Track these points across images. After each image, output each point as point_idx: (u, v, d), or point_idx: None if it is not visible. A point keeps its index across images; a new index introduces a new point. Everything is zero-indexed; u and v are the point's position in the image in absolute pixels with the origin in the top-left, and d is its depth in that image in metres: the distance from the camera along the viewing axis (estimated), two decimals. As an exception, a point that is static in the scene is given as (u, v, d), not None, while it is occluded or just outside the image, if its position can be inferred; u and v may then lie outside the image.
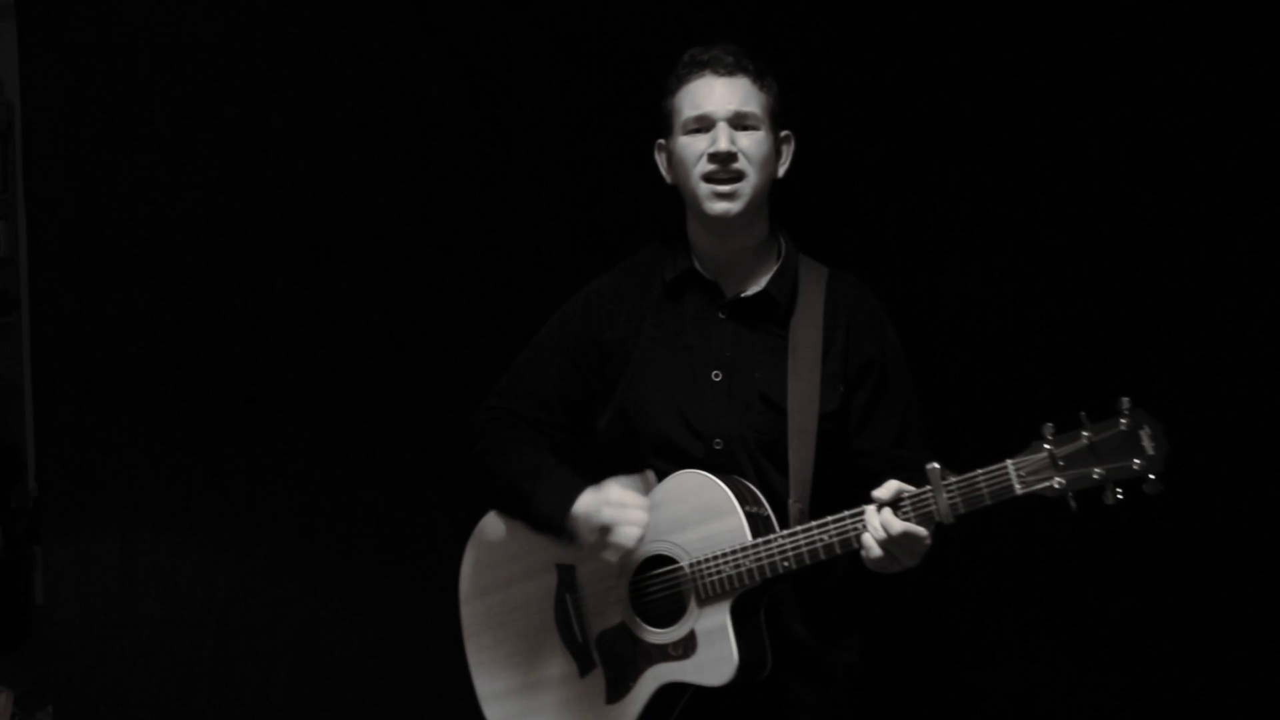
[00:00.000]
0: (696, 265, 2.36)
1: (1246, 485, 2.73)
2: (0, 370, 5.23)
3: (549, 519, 2.30)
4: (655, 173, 2.43)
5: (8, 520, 5.04)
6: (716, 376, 2.30)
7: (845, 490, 2.14)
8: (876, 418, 2.30)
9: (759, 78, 2.30)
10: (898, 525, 2.07)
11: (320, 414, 3.37)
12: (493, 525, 2.47)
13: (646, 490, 2.29)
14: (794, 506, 2.23)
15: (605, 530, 2.23)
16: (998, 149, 2.81)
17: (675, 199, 2.39)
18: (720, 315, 2.33)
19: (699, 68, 2.30)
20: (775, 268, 2.34)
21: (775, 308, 2.31)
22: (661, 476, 2.28)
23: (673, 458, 2.29)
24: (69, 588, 3.57)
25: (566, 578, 2.35)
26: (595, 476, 2.32)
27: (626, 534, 2.22)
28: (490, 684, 2.44)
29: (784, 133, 2.35)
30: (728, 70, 2.28)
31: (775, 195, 2.36)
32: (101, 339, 3.52)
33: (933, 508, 2.06)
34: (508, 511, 2.42)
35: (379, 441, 3.34)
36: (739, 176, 2.25)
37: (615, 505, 2.23)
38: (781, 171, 2.35)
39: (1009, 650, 2.92)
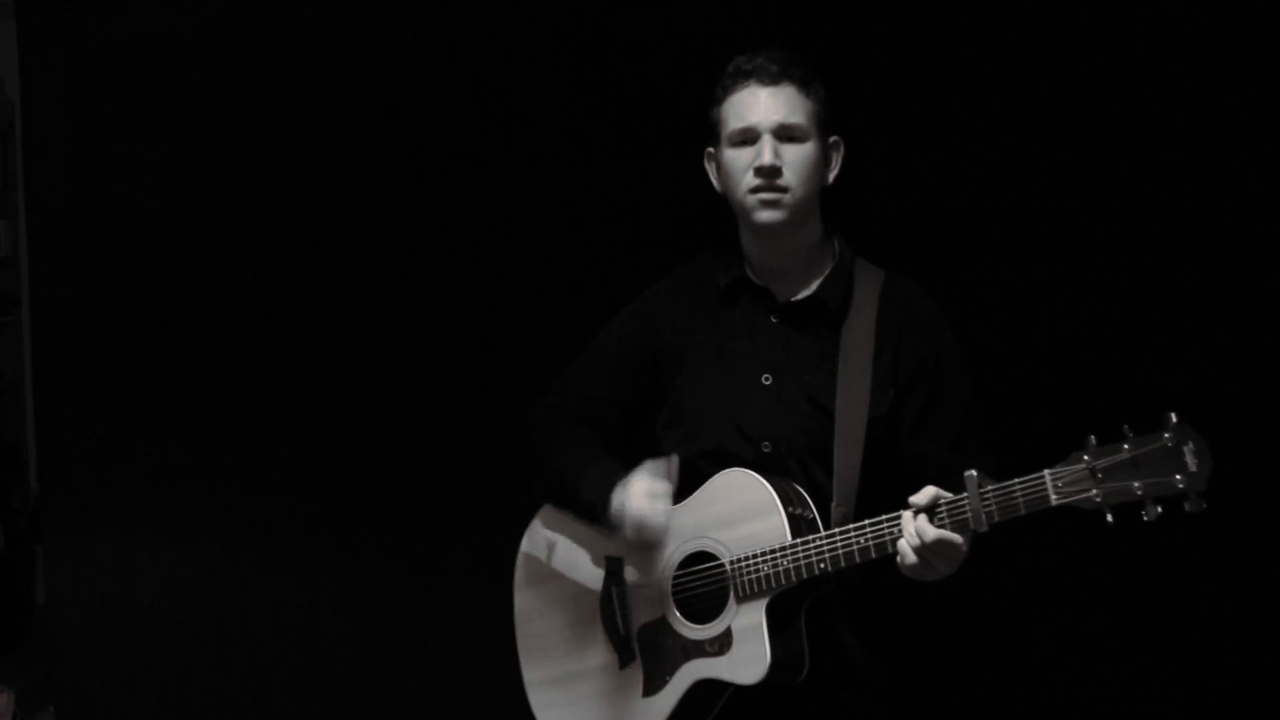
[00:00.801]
0: (749, 272, 2.38)
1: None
2: (1, 369, 5.23)
3: (592, 508, 2.33)
4: (691, 178, 2.44)
5: (9, 519, 5.03)
6: (767, 380, 2.31)
7: (897, 496, 2.13)
8: (930, 423, 2.29)
9: (805, 85, 2.28)
10: (931, 532, 2.07)
11: (320, 413, 3.37)
12: (548, 515, 2.50)
13: (671, 475, 2.30)
14: (836, 510, 2.23)
15: (636, 524, 2.26)
16: (1057, 156, 2.81)
17: (727, 205, 2.39)
18: (772, 319, 2.34)
19: (743, 77, 2.29)
20: (828, 271, 2.35)
21: (827, 311, 2.32)
22: (710, 476, 2.30)
23: (724, 461, 2.30)
24: (70, 587, 3.58)
25: (615, 570, 2.37)
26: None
27: (652, 527, 2.25)
28: (535, 671, 2.46)
29: (833, 139, 2.34)
30: (773, 79, 2.27)
31: (830, 198, 2.37)
32: (102, 338, 3.53)
33: (968, 515, 2.05)
34: (557, 503, 2.45)
35: (380, 440, 3.34)
36: (784, 189, 2.26)
37: (638, 496, 2.26)
38: (831, 178, 2.35)
39: (1064, 671, 2.89)
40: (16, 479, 5.15)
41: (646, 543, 2.31)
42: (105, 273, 3.52)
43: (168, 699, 3.49)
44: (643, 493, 2.27)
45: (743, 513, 2.24)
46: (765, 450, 2.29)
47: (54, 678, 3.72)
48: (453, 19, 3.21)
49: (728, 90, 2.31)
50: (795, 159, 2.26)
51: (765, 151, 2.25)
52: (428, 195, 3.28)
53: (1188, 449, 1.92)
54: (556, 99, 3.14)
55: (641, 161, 3.05)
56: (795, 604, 2.23)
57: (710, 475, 2.29)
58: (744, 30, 2.84)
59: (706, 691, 2.26)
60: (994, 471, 2.08)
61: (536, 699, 2.45)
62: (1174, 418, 1.93)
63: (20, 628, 4.96)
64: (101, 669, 3.55)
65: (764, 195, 2.26)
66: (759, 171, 2.25)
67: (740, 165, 2.28)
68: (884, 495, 2.18)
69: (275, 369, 3.41)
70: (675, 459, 2.32)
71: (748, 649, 2.21)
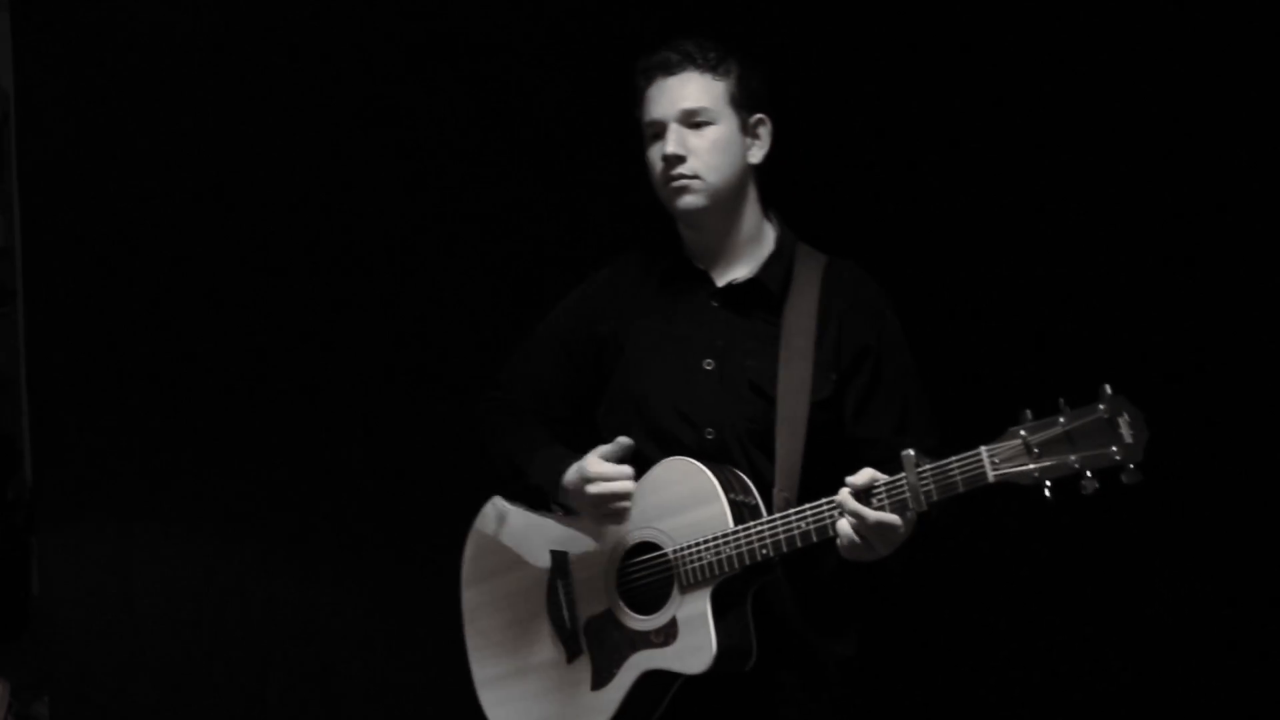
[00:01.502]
0: (687, 256, 2.38)
1: (1230, 474, 2.73)
2: (-5, 361, 5.22)
3: (543, 493, 2.35)
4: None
5: (4, 512, 5.03)
6: (708, 365, 2.31)
7: (841, 480, 2.12)
8: (874, 406, 2.29)
9: (712, 68, 2.29)
10: (870, 513, 2.07)
11: (319, 408, 3.38)
12: (493, 512, 2.49)
13: (620, 456, 2.29)
14: (779, 495, 2.23)
15: (596, 503, 2.27)
16: (987, 137, 2.82)
17: None
18: (713, 304, 2.34)
19: (650, 72, 2.32)
20: (768, 255, 2.35)
21: (768, 295, 2.32)
22: (653, 464, 2.29)
23: (667, 447, 2.29)
24: (64, 579, 3.59)
25: (559, 563, 2.36)
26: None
27: (614, 508, 2.26)
28: (484, 669, 2.45)
29: (755, 116, 2.33)
30: (674, 68, 2.29)
31: (768, 183, 2.36)
32: (98, 330, 3.53)
33: (906, 495, 2.05)
34: (509, 490, 2.45)
35: (379, 436, 3.34)
36: (692, 175, 2.27)
37: (596, 478, 2.26)
38: (756, 157, 2.34)
39: (1004, 645, 2.92)
40: (12, 472, 5.14)
41: (608, 512, 2.29)
42: (101, 264, 3.53)
43: (163, 692, 3.50)
44: (599, 458, 2.27)
45: (685, 501, 2.23)
46: (708, 436, 2.28)
47: (49, 670, 3.72)
48: (453, 19, 3.21)
49: (642, 88, 2.33)
50: (701, 145, 2.27)
51: (669, 141, 2.27)
52: (427, 192, 3.29)
53: (1123, 420, 1.92)
54: (556, 99, 3.15)
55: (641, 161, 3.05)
56: (740, 591, 2.22)
57: (653, 462, 2.28)
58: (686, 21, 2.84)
59: (655, 682, 2.25)
60: (936, 452, 2.07)
61: (486, 697, 2.43)
62: (1108, 389, 1.94)
63: (16, 620, 4.95)
64: (96, 661, 3.56)
65: (675, 184, 2.27)
66: (664, 161, 2.27)
67: (654, 158, 2.31)
68: (827, 480, 2.16)
69: (273, 363, 3.41)
70: (626, 440, 2.30)
71: (693, 638, 2.20)
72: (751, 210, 2.36)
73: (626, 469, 2.28)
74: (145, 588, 3.53)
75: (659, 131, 2.30)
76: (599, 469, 2.27)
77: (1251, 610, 2.80)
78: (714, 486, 2.21)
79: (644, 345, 2.36)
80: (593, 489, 2.27)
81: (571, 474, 2.31)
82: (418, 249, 3.29)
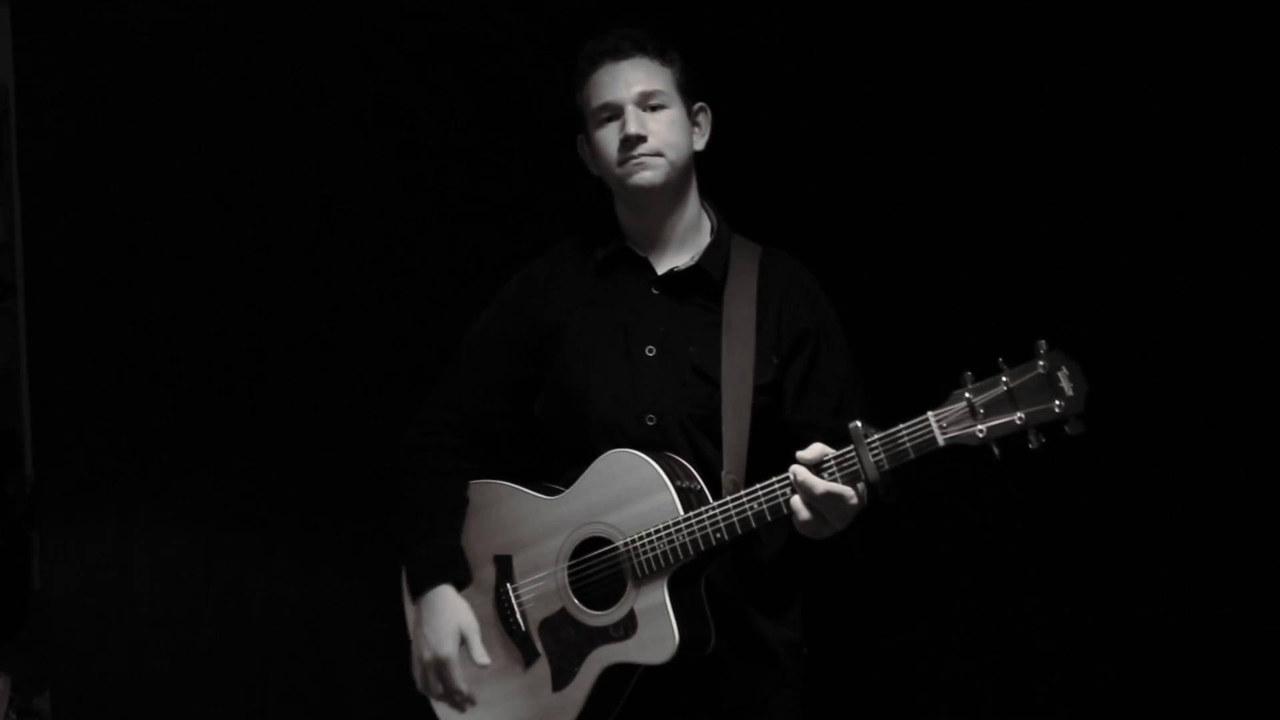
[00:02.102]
0: (628, 244, 2.37)
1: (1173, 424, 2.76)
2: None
3: (412, 585, 2.37)
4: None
5: (5, 506, 5.03)
6: (650, 352, 2.30)
7: (785, 463, 2.12)
8: (812, 389, 2.30)
9: (660, 55, 2.32)
10: (821, 486, 2.06)
11: (318, 399, 3.37)
12: None
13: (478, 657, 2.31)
14: (727, 478, 2.22)
15: (431, 671, 2.32)
16: (886, 110, 2.89)
17: (604, 189, 2.41)
18: (653, 291, 2.34)
19: (598, 57, 2.32)
20: (707, 243, 2.36)
21: (709, 282, 2.32)
22: (596, 454, 2.27)
23: (608, 435, 2.28)
24: (65, 573, 3.58)
25: (504, 568, 2.34)
26: (539, 463, 2.37)
27: (434, 685, 2.32)
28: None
29: (698, 105, 2.36)
30: (626, 53, 2.31)
31: (702, 173, 2.38)
32: (98, 325, 3.52)
33: (857, 466, 2.05)
34: (397, 549, 2.44)
35: (379, 429, 3.32)
36: (654, 153, 2.28)
37: (434, 668, 2.31)
38: (700, 144, 2.36)
39: (952, 624, 2.94)
40: (14, 466, 5.15)
41: (428, 683, 2.33)
42: (101, 257, 3.52)
43: (164, 685, 3.50)
44: (481, 649, 2.29)
45: (630, 493, 2.21)
46: (650, 423, 2.27)
47: (50, 663, 3.72)
48: (453, 18, 3.21)
49: (586, 73, 2.34)
50: (659, 125, 2.29)
51: (630, 121, 2.28)
52: (428, 192, 3.28)
53: (1062, 374, 1.95)
54: (556, 98, 3.15)
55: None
56: (694, 576, 2.21)
57: (594, 452, 2.27)
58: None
59: (617, 676, 2.24)
60: (878, 424, 2.08)
61: (444, 711, 2.39)
62: (1044, 345, 1.96)
63: (17, 614, 4.96)
64: (98, 655, 3.55)
65: (635, 161, 2.28)
66: (625, 142, 2.27)
67: (608, 140, 2.31)
68: (771, 464, 2.16)
69: (274, 358, 3.40)
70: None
71: (654, 629, 2.19)
72: (694, 197, 2.37)
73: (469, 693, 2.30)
74: (146, 582, 3.53)
75: (614, 114, 2.31)
76: (473, 657, 2.29)
77: (1234, 596, 2.81)
78: (659, 475, 2.20)
79: (584, 333, 2.35)
80: (443, 669, 2.31)
81: (448, 614, 2.32)
82: (418, 247, 3.27)
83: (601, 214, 2.41)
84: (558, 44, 3.10)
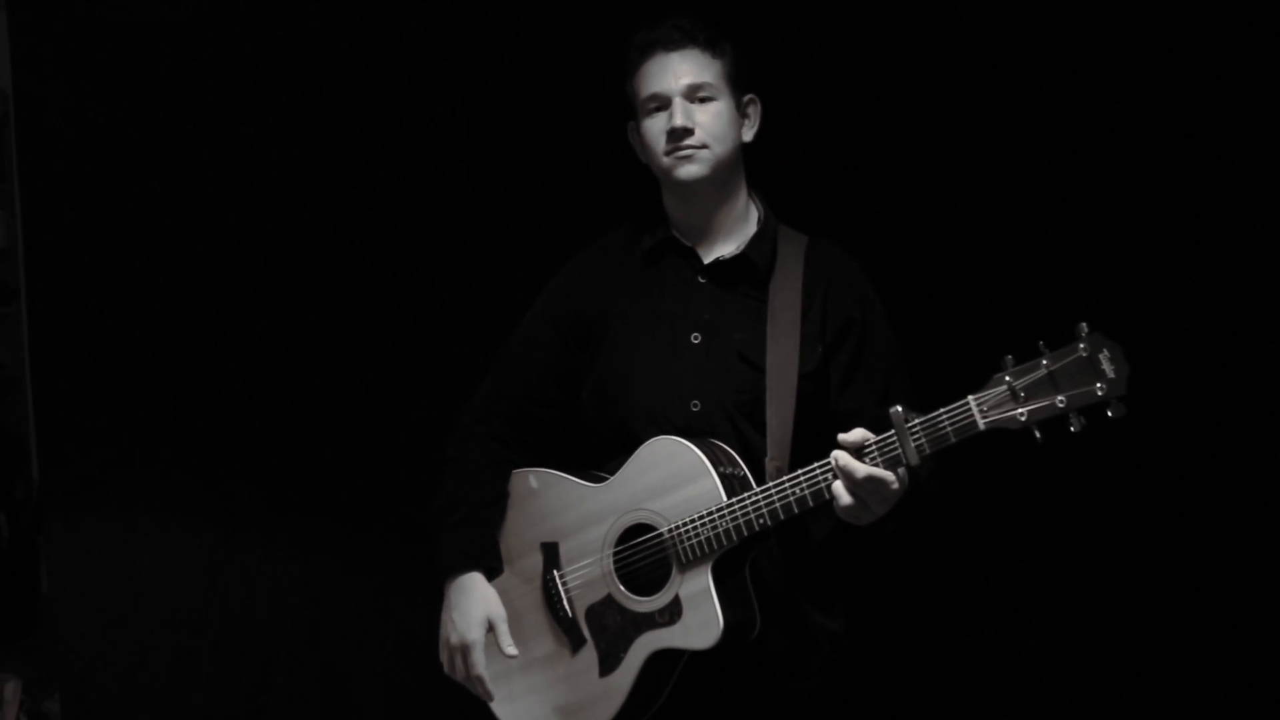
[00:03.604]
0: (675, 233, 2.39)
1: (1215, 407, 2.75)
2: (1, 360, 5.23)
3: (442, 570, 2.41)
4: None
5: (12, 510, 5.04)
6: (695, 339, 2.33)
7: (826, 453, 2.13)
8: (858, 378, 2.32)
9: (711, 46, 2.33)
10: (862, 470, 2.07)
11: (323, 400, 3.37)
12: None
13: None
14: (771, 464, 2.24)
15: (457, 653, 2.36)
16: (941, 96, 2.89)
17: (651, 177, 2.42)
18: (699, 279, 2.36)
19: (650, 47, 2.34)
20: (754, 232, 2.38)
21: (754, 270, 2.34)
22: (641, 441, 2.30)
23: (653, 421, 2.30)
24: (72, 577, 3.58)
25: (551, 556, 2.37)
26: (585, 451, 2.38)
27: (459, 666, 2.36)
28: (489, 667, 2.42)
29: (747, 96, 2.38)
30: (677, 44, 2.32)
31: (751, 163, 2.39)
32: (101, 328, 3.52)
33: (898, 451, 2.06)
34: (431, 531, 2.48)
35: (383, 428, 3.33)
36: (699, 146, 2.30)
37: (475, 648, 2.34)
38: (749, 136, 2.38)
39: (995, 623, 2.94)
40: (20, 470, 5.16)
41: (455, 667, 2.37)
42: (104, 261, 3.51)
43: (171, 685, 3.50)
44: (508, 637, 2.34)
45: (674, 479, 2.23)
46: (694, 409, 2.29)
47: (59, 667, 3.72)
48: (453, 18, 3.21)
49: (637, 62, 2.35)
50: (707, 118, 2.30)
51: (677, 114, 2.29)
52: (428, 191, 3.28)
53: (1103, 356, 1.94)
54: (557, 99, 3.15)
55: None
56: (739, 562, 2.23)
57: (639, 438, 2.29)
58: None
59: (664, 661, 2.26)
60: (921, 411, 2.09)
61: (494, 694, 2.41)
62: (1085, 328, 1.95)
63: (26, 617, 4.97)
64: (106, 658, 3.55)
65: (681, 154, 2.29)
66: (672, 134, 2.29)
67: (656, 131, 2.32)
68: (816, 451, 2.17)
69: (277, 359, 3.40)
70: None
71: (699, 614, 2.21)
72: (741, 188, 2.39)
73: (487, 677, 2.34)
74: (152, 583, 3.53)
75: (662, 105, 2.32)
76: (500, 646, 2.34)
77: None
78: (702, 462, 2.22)
79: (630, 321, 2.37)
80: (467, 654, 2.34)
81: (477, 600, 2.36)
82: (419, 245, 3.28)
83: (651, 203, 2.43)
84: (557, 44, 3.12)
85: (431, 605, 3.23)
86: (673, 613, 2.24)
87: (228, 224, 3.41)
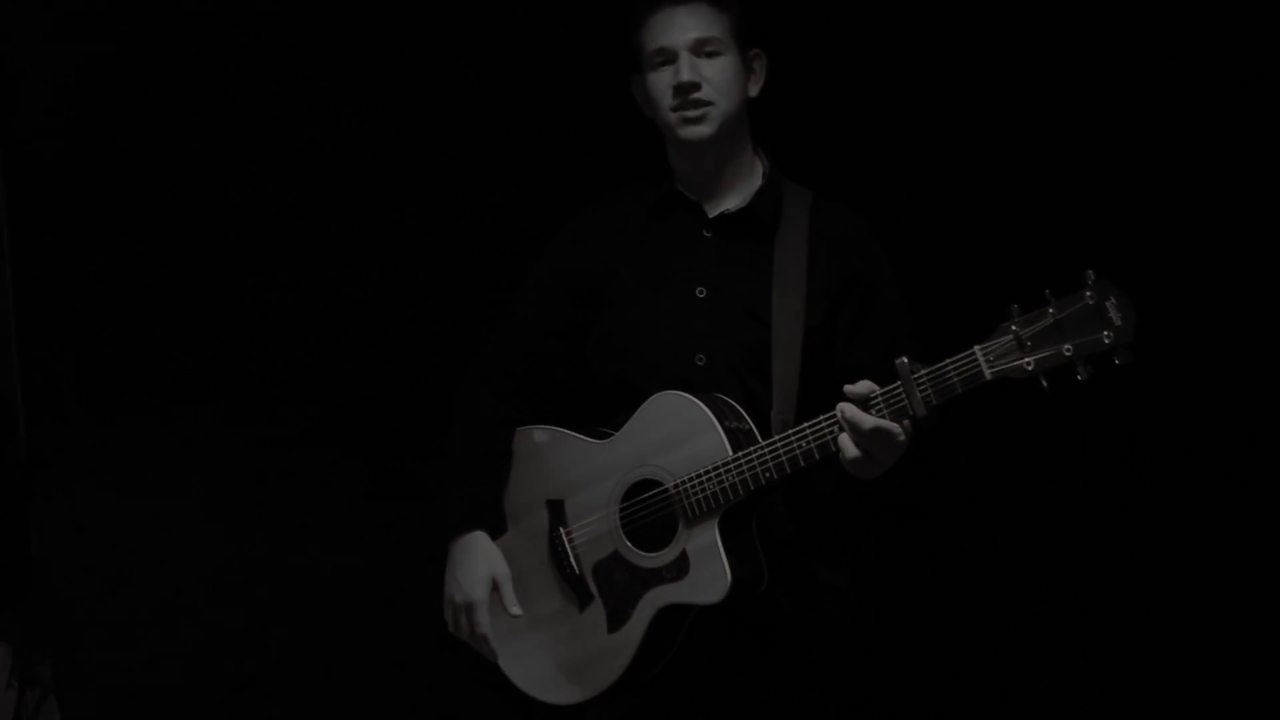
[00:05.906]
0: (679, 188, 2.39)
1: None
2: (-12, 324, 5.21)
3: (445, 529, 2.40)
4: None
5: (3, 474, 5.02)
6: (701, 293, 2.33)
7: (832, 407, 2.14)
8: (864, 333, 2.32)
9: (717, 0, 2.32)
10: (869, 422, 2.08)
11: (319, 370, 3.39)
12: None
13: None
14: (776, 418, 2.24)
15: (460, 612, 2.37)
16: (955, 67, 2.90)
17: (656, 132, 2.42)
18: (705, 233, 2.36)
19: (656, 0, 2.33)
20: (759, 186, 2.38)
21: (759, 224, 2.35)
22: (646, 396, 2.30)
23: (658, 376, 2.30)
24: (63, 541, 3.58)
25: (556, 513, 2.37)
26: (590, 407, 2.37)
27: (462, 624, 2.37)
28: (496, 626, 2.43)
29: (753, 51, 2.38)
30: None
31: (756, 118, 2.39)
32: (89, 290, 3.50)
33: (904, 402, 2.06)
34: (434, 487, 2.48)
35: (381, 402, 3.34)
36: (706, 103, 2.30)
37: (464, 611, 2.35)
38: (755, 91, 2.38)
39: (1002, 582, 2.94)
40: (9, 434, 5.13)
41: (457, 625, 2.37)
42: (91, 223, 3.51)
43: (165, 651, 3.50)
44: (512, 595, 2.34)
45: (679, 434, 2.24)
46: (699, 363, 2.30)
47: (51, 632, 3.71)
48: (453, 18, 3.19)
49: (643, 15, 2.36)
50: (714, 73, 2.31)
51: (683, 69, 2.30)
52: (427, 191, 3.30)
53: (1110, 304, 1.95)
54: (557, 98, 3.14)
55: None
56: (745, 517, 2.24)
57: (644, 392, 2.29)
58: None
59: (672, 617, 2.27)
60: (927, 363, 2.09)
61: (501, 653, 2.42)
62: (1092, 275, 1.95)
63: (17, 583, 4.96)
64: (98, 622, 3.55)
65: (687, 112, 2.30)
66: (678, 89, 2.30)
67: (661, 86, 2.33)
68: (822, 405, 2.18)
69: (272, 326, 3.40)
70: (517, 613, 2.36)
71: (706, 569, 2.22)
72: (746, 143, 2.39)
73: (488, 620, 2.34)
74: (144, 547, 3.53)
75: (668, 59, 2.32)
76: (504, 605, 2.35)
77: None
78: (707, 416, 2.22)
79: (635, 275, 2.38)
80: (471, 613, 2.35)
81: (480, 560, 2.36)
82: (419, 242, 3.30)
83: (654, 157, 2.43)
84: (559, 44, 3.10)
85: (435, 584, 3.25)
86: (680, 568, 2.24)
87: (220, 186, 3.39)
